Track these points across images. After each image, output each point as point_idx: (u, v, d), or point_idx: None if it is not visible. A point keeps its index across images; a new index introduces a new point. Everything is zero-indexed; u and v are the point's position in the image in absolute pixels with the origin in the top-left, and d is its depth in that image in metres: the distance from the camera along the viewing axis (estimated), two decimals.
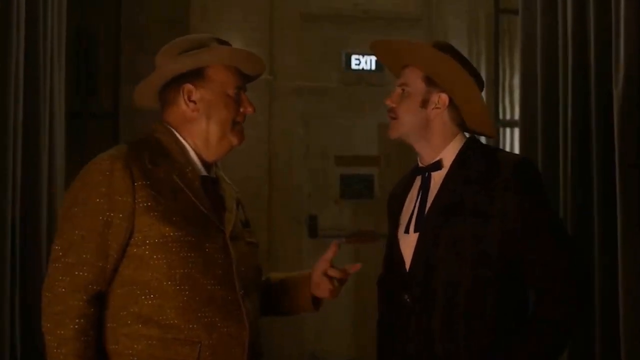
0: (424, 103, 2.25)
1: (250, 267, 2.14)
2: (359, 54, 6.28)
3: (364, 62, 6.34)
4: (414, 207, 2.26)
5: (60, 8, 3.48)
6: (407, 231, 2.25)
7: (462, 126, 2.30)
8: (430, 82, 2.24)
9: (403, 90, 2.27)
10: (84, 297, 1.94)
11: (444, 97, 2.24)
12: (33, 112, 3.25)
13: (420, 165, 2.31)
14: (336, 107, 6.26)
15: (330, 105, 6.24)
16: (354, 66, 6.35)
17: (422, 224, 2.20)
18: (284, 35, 6.28)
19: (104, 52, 5.16)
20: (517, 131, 5.01)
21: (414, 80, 2.26)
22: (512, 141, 5.20)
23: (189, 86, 2.11)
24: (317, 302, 2.33)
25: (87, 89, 5.17)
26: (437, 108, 2.25)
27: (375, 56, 2.46)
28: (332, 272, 2.27)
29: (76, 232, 1.96)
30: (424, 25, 6.33)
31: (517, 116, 5.25)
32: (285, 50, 6.27)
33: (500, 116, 5.31)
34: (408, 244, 2.23)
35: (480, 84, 2.27)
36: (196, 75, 2.12)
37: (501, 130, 5.23)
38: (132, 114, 4.39)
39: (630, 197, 2.57)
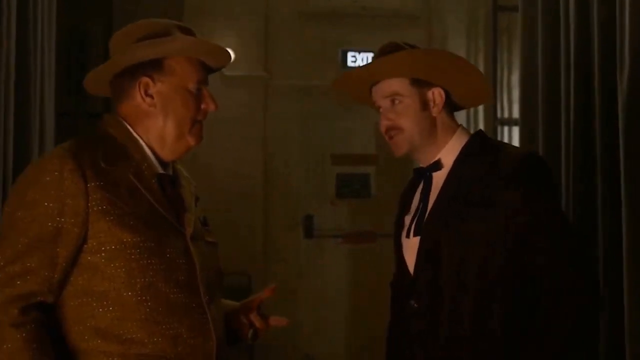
0: (424, 105, 2.16)
1: (213, 270, 1.99)
2: (355, 51, 6.23)
3: (360, 59, 6.29)
4: (416, 209, 2.20)
5: (50, 7, 3.44)
6: (408, 235, 2.19)
7: (454, 118, 2.24)
8: (418, 82, 2.16)
9: (394, 101, 2.16)
10: (24, 306, 1.76)
11: (438, 90, 2.16)
12: (23, 111, 3.22)
13: (421, 165, 2.24)
14: (333, 105, 6.21)
15: (326, 103, 6.20)
16: (350, 63, 6.30)
17: (423, 228, 2.13)
18: (280, 32, 6.25)
19: (96, 51, 5.12)
20: (515, 130, 4.98)
21: (403, 88, 2.16)
22: (510, 140, 5.17)
23: (145, 79, 1.93)
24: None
25: (79, 88, 5.13)
26: (437, 104, 2.17)
27: (344, 91, 2.36)
28: (253, 318, 2.10)
29: (21, 239, 1.78)
30: (422, 23, 6.29)
31: (515, 114, 5.22)
32: (282, 48, 6.24)
33: (499, 114, 5.27)
34: (410, 248, 2.18)
35: None
36: (154, 66, 1.93)
37: (499, 128, 5.20)
38: None
39: (637, 199, 2.52)
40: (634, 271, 2.52)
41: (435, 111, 2.17)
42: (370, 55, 6.17)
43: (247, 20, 6.09)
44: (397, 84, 2.16)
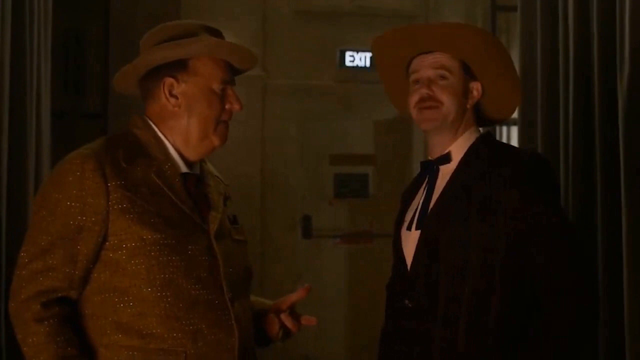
0: (465, 93, 2.16)
1: (239, 267, 2.01)
2: (353, 50, 6.21)
3: (359, 59, 6.27)
4: (419, 203, 2.18)
5: (46, 7, 3.43)
6: (409, 228, 2.17)
7: (475, 119, 2.23)
8: (467, 70, 2.16)
9: (442, 75, 2.14)
10: (45, 301, 1.83)
11: (478, 85, 2.17)
12: (19, 111, 3.22)
13: (429, 158, 2.23)
14: (331, 105, 6.20)
15: (324, 103, 6.18)
16: (348, 63, 6.29)
17: (425, 221, 2.11)
18: (277, 32, 6.23)
19: (93, 51, 5.11)
20: (514, 130, 4.96)
21: (455, 68, 2.15)
22: (508, 140, 5.14)
23: (170, 80, 1.96)
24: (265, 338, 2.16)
25: (76, 88, 5.12)
26: (473, 97, 2.17)
27: (381, 47, 2.30)
28: (284, 318, 2.11)
29: (44, 237, 1.85)
30: (420, 23, 6.26)
31: (514, 114, 5.20)
32: (280, 47, 6.23)
33: None
34: (409, 242, 2.15)
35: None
36: (179, 67, 1.96)
37: (497, 128, 5.17)
38: (121, 113, 4.33)
39: (637, 199, 2.50)
40: (634, 271, 2.51)
41: (470, 103, 2.17)
42: (369, 55, 6.14)
43: (245, 20, 6.07)
44: (451, 62, 2.15)
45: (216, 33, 2.02)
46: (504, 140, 5.18)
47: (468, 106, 2.17)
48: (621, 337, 2.59)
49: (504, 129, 5.25)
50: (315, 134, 6.37)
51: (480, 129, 2.25)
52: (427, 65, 2.16)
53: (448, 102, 2.13)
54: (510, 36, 5.29)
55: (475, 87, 2.17)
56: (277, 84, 6.23)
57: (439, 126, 2.14)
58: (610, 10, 2.70)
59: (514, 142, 4.78)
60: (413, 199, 2.24)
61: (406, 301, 2.11)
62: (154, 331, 1.85)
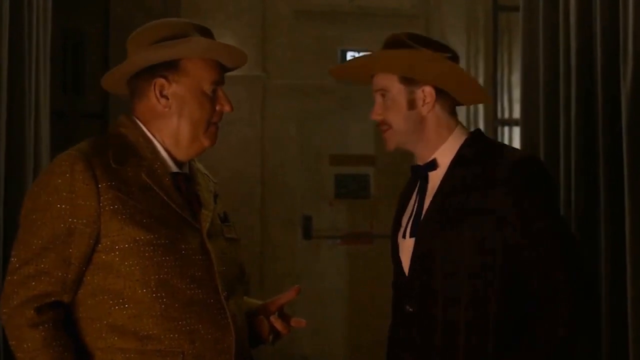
0: (411, 104, 2.13)
1: (233, 265, 2.01)
2: (354, 50, 6.19)
3: None
4: (412, 210, 2.16)
5: (45, 6, 3.41)
6: (404, 236, 2.16)
7: (455, 114, 2.20)
8: (408, 80, 2.13)
9: (384, 96, 2.16)
10: (39, 306, 1.81)
11: (428, 89, 2.13)
12: (18, 112, 3.20)
13: (418, 164, 2.21)
14: (331, 105, 6.18)
15: (325, 103, 6.17)
16: None
17: (418, 229, 2.10)
18: (277, 32, 6.22)
19: (93, 51, 5.10)
20: (515, 130, 4.95)
21: (392, 84, 2.15)
22: (510, 141, 5.13)
23: (161, 80, 1.94)
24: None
25: (76, 88, 5.11)
26: (427, 103, 2.14)
27: (342, 78, 2.35)
28: (274, 320, 2.10)
29: (35, 241, 1.83)
30: (421, 23, 6.26)
31: (515, 115, 5.19)
32: (279, 47, 6.21)
33: (499, 115, 5.23)
34: (405, 249, 2.15)
35: (455, 57, 2.15)
36: (170, 67, 1.95)
37: (499, 129, 5.16)
38: (121, 113, 4.31)
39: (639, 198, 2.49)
40: (637, 272, 2.50)
41: (425, 110, 2.14)
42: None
43: (244, 19, 6.06)
44: (386, 80, 2.15)
45: (206, 32, 2.01)
46: (505, 140, 5.16)
47: (424, 114, 2.14)
48: (624, 338, 2.58)
49: (505, 129, 5.23)
50: (315, 134, 6.36)
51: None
52: (373, 89, 2.20)
53: (395, 122, 2.14)
54: (512, 36, 5.28)
55: (426, 91, 2.13)
56: (277, 84, 6.22)
57: (398, 145, 2.17)
58: (613, 9, 2.69)
59: (516, 142, 4.77)
60: (409, 201, 2.23)
61: (407, 306, 2.11)
62: (150, 332, 1.84)
